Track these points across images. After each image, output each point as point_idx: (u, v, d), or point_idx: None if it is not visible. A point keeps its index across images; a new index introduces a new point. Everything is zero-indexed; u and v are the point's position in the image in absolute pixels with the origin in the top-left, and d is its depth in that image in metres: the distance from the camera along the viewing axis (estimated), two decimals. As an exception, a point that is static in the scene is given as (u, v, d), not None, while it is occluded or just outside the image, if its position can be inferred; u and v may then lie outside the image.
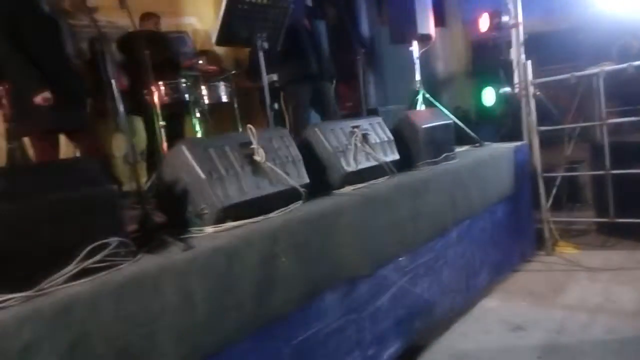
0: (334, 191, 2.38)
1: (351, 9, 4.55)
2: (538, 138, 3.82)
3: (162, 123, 3.15)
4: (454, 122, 3.87)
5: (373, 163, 2.55)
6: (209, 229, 1.81)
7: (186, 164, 1.79)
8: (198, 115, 3.53)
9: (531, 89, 3.80)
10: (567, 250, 3.86)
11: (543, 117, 3.97)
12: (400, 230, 2.41)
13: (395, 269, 2.39)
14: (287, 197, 2.08)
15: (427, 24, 3.77)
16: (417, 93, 3.87)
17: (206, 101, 3.53)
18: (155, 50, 3.19)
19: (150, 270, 1.43)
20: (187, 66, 3.52)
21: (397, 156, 2.72)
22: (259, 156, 1.97)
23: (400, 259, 2.43)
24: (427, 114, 3.24)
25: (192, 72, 3.50)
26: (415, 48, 3.89)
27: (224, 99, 3.60)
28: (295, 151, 2.17)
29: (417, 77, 3.91)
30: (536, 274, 3.52)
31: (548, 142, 3.98)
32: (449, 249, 2.82)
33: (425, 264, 2.60)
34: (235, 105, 3.57)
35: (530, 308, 2.97)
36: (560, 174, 4.01)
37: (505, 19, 3.77)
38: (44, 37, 2.30)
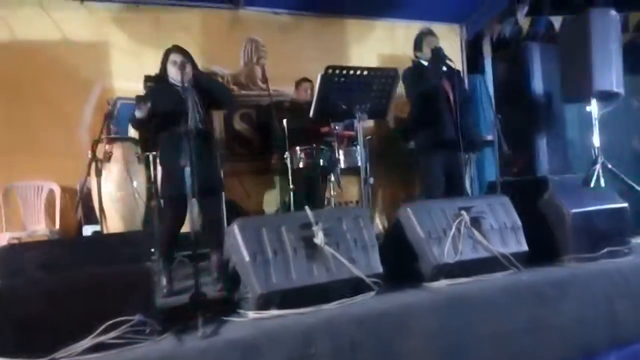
0: (425, 284, 2.02)
1: (523, 61, 3.98)
2: None
3: (291, 186, 3.24)
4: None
5: (485, 254, 2.10)
6: (252, 314, 1.71)
7: (236, 243, 1.74)
8: (333, 179, 3.53)
9: None
10: None
11: None
12: (509, 345, 1.89)
13: (497, 395, 1.86)
14: (354, 287, 1.85)
15: (610, 79, 3.01)
16: (595, 162, 3.10)
17: (342, 165, 3.51)
18: (294, 118, 3.34)
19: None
20: (325, 132, 3.58)
21: (523, 247, 2.19)
22: (319, 239, 1.80)
23: (508, 383, 1.88)
24: (587, 194, 2.54)
25: (330, 138, 3.54)
26: (594, 107, 3.15)
27: (360, 163, 3.51)
28: (370, 235, 1.93)
29: (596, 142, 3.14)
30: None
31: None
32: (601, 379, 2.08)
33: (552, 395, 1.96)
34: (368, 170, 3.41)
35: None
36: None
37: None
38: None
